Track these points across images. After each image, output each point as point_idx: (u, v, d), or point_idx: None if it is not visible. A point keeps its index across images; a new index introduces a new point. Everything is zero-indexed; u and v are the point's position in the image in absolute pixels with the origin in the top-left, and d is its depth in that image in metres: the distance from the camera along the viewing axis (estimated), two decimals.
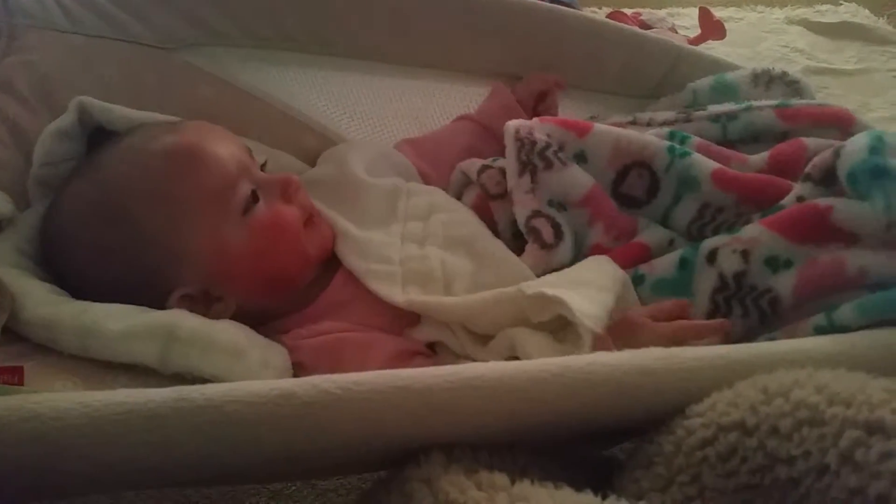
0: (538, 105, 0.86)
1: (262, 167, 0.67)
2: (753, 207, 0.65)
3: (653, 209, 0.70)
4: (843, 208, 0.58)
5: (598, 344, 0.52)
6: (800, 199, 0.62)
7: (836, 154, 0.61)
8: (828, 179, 0.61)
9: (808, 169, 0.63)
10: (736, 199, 0.66)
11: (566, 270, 0.62)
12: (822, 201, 0.59)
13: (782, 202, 0.63)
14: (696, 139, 0.71)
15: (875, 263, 0.56)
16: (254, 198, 0.62)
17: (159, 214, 0.60)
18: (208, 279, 0.61)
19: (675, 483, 0.41)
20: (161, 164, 0.61)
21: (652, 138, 0.70)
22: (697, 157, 0.68)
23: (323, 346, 0.61)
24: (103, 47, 0.76)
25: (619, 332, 0.55)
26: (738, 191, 0.66)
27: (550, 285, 0.57)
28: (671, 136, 0.71)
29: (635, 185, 0.70)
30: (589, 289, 0.57)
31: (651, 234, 0.68)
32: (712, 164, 0.67)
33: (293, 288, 0.66)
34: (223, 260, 0.61)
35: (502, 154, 0.72)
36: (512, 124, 0.70)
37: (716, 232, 0.65)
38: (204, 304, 0.61)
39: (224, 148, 0.63)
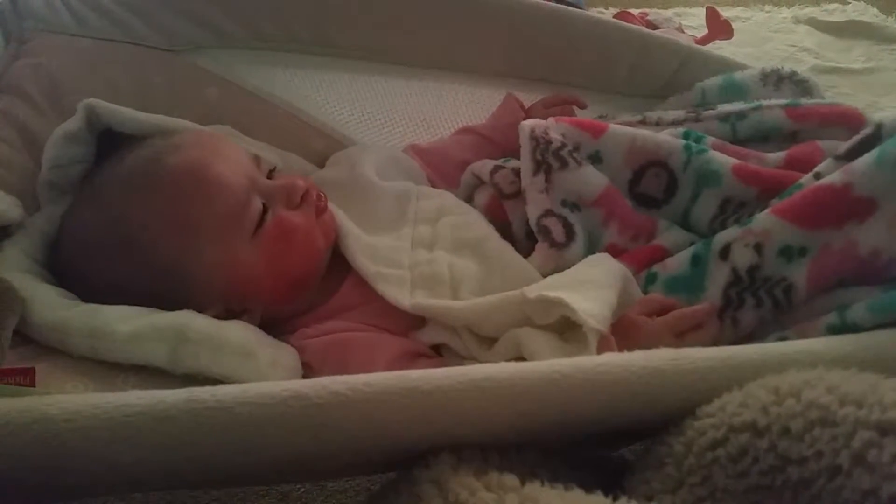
0: None
1: (272, 173, 0.67)
2: (775, 201, 0.64)
3: (672, 209, 0.70)
4: (860, 172, 0.56)
5: (603, 343, 0.52)
6: (817, 175, 0.61)
7: (879, 126, 0.60)
8: (857, 153, 0.59)
9: (838, 151, 0.62)
10: (758, 192, 0.65)
11: (567, 271, 0.62)
12: (838, 178, 0.57)
13: (800, 181, 0.62)
14: (711, 138, 0.71)
15: (888, 241, 0.55)
16: (263, 211, 0.62)
17: (172, 243, 0.59)
18: (229, 298, 0.61)
19: (686, 484, 0.41)
20: (168, 191, 0.59)
21: (668, 137, 0.70)
22: (716, 153, 0.68)
23: (329, 345, 0.61)
24: (111, 50, 0.76)
25: (617, 334, 0.55)
26: (760, 184, 0.65)
27: (552, 287, 0.56)
28: (686, 136, 0.71)
29: (652, 184, 0.70)
30: (590, 288, 0.57)
31: (670, 237, 0.68)
32: (732, 159, 0.67)
33: (312, 284, 0.66)
34: (241, 278, 0.61)
35: None
36: (527, 123, 0.70)
37: None
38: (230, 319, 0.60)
39: (231, 163, 0.62)
